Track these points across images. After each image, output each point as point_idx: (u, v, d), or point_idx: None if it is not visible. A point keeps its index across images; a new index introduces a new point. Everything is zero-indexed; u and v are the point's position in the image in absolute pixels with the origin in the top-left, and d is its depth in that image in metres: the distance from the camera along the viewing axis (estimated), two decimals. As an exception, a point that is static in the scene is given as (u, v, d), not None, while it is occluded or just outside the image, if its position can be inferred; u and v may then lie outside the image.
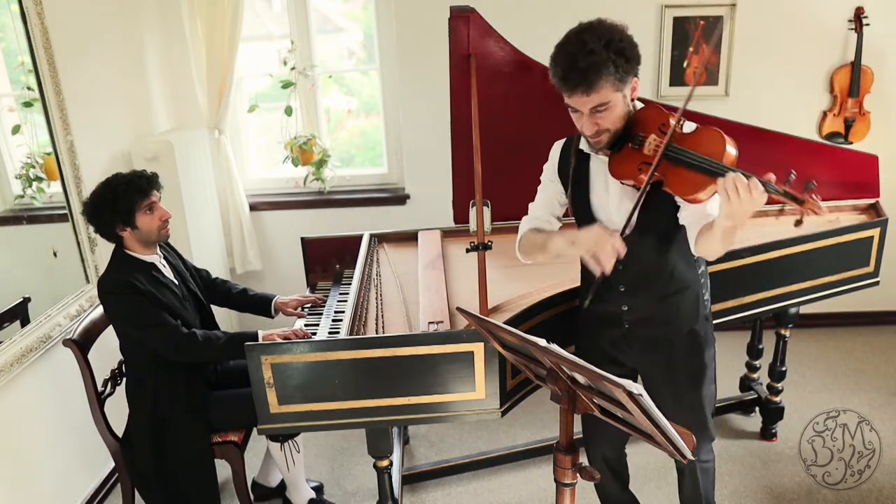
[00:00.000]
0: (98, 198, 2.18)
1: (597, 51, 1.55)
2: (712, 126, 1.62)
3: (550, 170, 1.94)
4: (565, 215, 1.99)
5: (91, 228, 2.70)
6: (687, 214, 1.71)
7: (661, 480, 2.77)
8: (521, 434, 3.12)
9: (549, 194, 1.95)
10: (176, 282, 2.33)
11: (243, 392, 2.27)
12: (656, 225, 1.77)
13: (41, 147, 2.59)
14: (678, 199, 1.71)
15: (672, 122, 1.62)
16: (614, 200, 1.78)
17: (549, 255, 1.84)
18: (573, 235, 1.70)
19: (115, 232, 2.20)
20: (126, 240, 2.23)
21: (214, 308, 2.55)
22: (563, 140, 1.92)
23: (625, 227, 1.67)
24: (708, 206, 1.65)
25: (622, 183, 1.73)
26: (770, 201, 1.43)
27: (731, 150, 1.56)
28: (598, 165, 1.80)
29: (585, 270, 1.93)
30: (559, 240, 1.78)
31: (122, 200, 2.15)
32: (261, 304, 2.56)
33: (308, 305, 2.53)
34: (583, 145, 1.81)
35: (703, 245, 1.65)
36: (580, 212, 1.86)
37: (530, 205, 2.00)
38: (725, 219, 1.49)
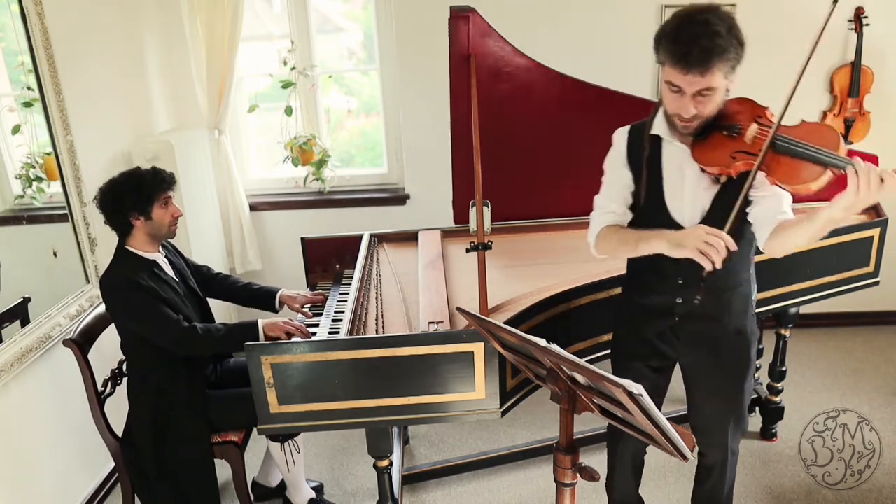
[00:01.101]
0: (120, 183, 2.21)
1: (722, 34, 1.55)
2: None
3: (619, 157, 1.87)
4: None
5: (91, 229, 2.72)
6: (759, 211, 1.70)
7: (660, 480, 2.78)
8: (521, 434, 3.12)
9: (620, 184, 1.87)
10: (176, 279, 2.34)
11: (243, 392, 2.27)
12: (725, 219, 1.70)
13: (41, 147, 2.59)
14: (754, 194, 1.70)
15: (770, 115, 1.65)
16: (689, 188, 1.76)
17: (639, 254, 1.77)
18: (677, 237, 1.64)
19: (128, 220, 2.21)
20: (135, 232, 2.23)
21: (214, 303, 2.55)
22: (628, 127, 1.87)
23: (732, 221, 1.63)
24: (784, 203, 1.67)
25: (704, 170, 1.71)
26: None
27: (843, 143, 1.57)
28: (673, 151, 1.77)
29: (636, 266, 1.93)
30: (659, 241, 1.69)
31: (146, 187, 2.19)
32: (265, 298, 2.55)
33: (318, 304, 2.53)
34: (657, 130, 1.78)
35: (787, 239, 1.63)
36: (651, 199, 1.81)
37: (597, 198, 1.92)
38: (843, 210, 1.48)
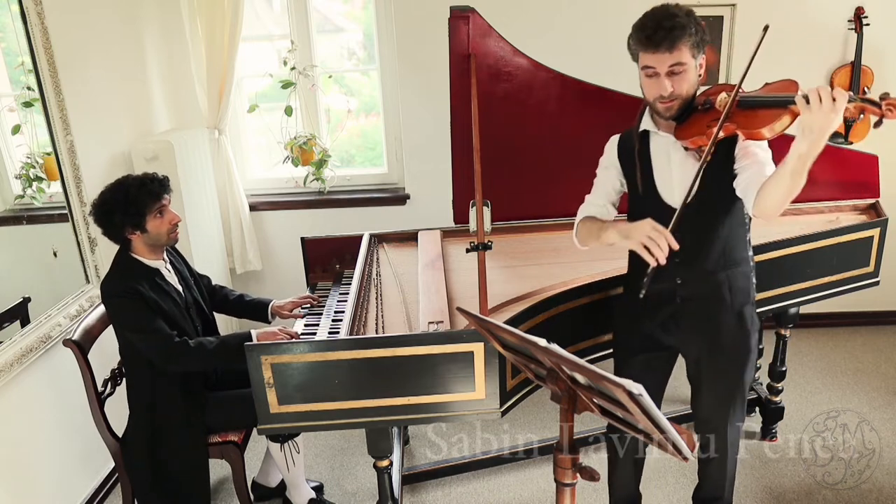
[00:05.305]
0: (108, 200, 2.15)
1: (680, 16, 1.75)
2: None
3: (607, 160, 2.04)
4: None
5: (90, 229, 2.72)
6: (743, 179, 1.79)
7: (660, 480, 2.78)
8: (521, 434, 3.12)
9: (606, 181, 2.04)
10: (179, 288, 2.32)
11: (243, 392, 2.26)
12: (713, 196, 1.85)
13: (41, 147, 2.59)
14: (737, 166, 1.81)
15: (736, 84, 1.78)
16: (676, 173, 1.89)
17: (602, 243, 1.92)
18: (626, 228, 1.79)
19: (124, 235, 2.18)
20: (134, 243, 2.21)
21: (216, 314, 2.54)
22: (619, 135, 2.04)
23: (688, 194, 1.76)
24: (767, 166, 1.76)
25: (686, 148, 1.85)
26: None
27: (802, 88, 1.66)
28: (660, 142, 1.92)
29: (636, 257, 1.97)
30: (612, 231, 1.86)
31: (133, 203, 2.13)
32: (257, 310, 2.55)
33: (306, 306, 2.53)
34: (645, 126, 1.93)
35: (768, 193, 1.68)
36: (644, 187, 1.94)
37: (587, 196, 2.09)
38: (803, 135, 1.54)
